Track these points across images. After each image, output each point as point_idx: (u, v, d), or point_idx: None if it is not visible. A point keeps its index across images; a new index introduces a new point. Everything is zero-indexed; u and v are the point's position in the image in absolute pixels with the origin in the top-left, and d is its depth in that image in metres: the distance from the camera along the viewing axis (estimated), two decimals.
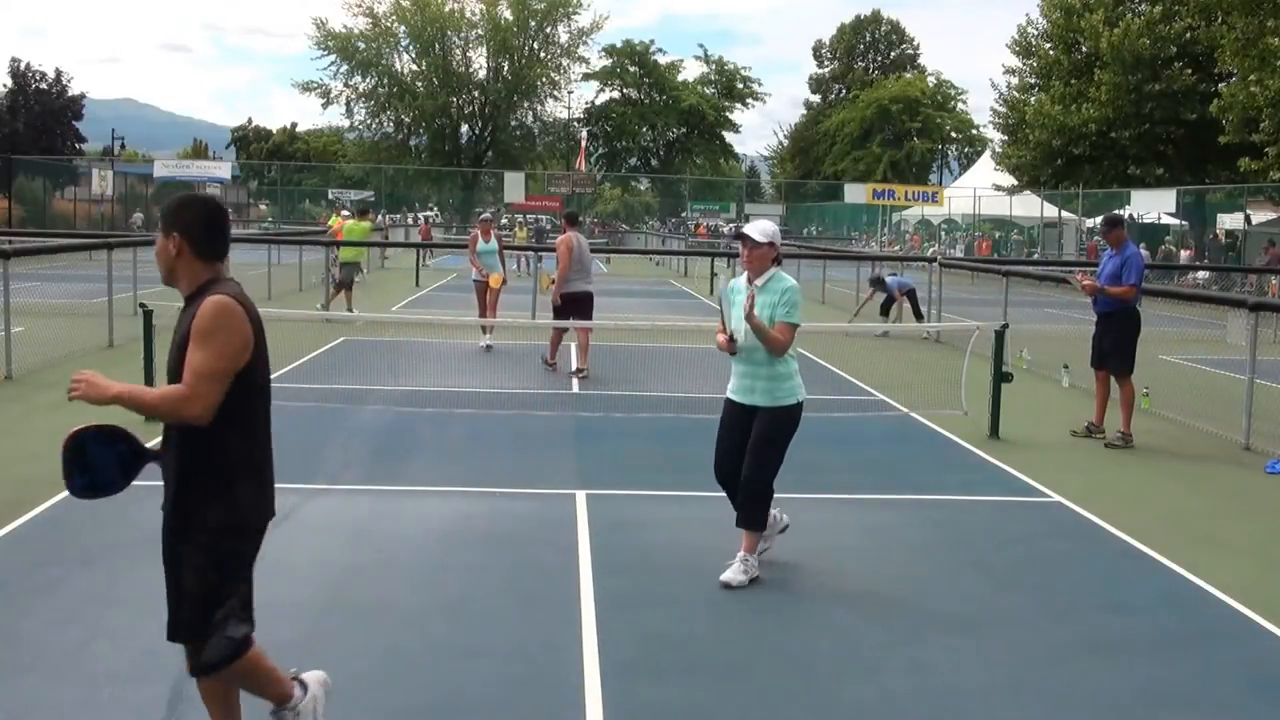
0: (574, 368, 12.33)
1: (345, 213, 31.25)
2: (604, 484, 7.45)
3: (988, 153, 55.16)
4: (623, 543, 6.23)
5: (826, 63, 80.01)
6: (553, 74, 68.82)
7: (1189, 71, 36.16)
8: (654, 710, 4.21)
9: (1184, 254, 35.55)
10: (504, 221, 50.11)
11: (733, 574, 5.49)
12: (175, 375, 3.23)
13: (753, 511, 5.55)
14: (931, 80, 74.35)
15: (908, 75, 73.92)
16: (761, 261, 5.53)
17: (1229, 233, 36.97)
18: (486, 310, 14.41)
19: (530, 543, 6.18)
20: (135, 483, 3.31)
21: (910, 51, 79.01)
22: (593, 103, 73.78)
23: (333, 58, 65.54)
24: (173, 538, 3.32)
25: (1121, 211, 31.51)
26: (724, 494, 5.77)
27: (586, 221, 55.80)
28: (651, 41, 74.80)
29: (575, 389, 11.61)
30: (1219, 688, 4.56)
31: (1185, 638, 5.13)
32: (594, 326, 12.44)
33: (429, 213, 60.60)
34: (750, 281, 5.56)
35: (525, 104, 69.25)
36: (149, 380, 8.99)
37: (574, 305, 12.13)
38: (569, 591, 5.40)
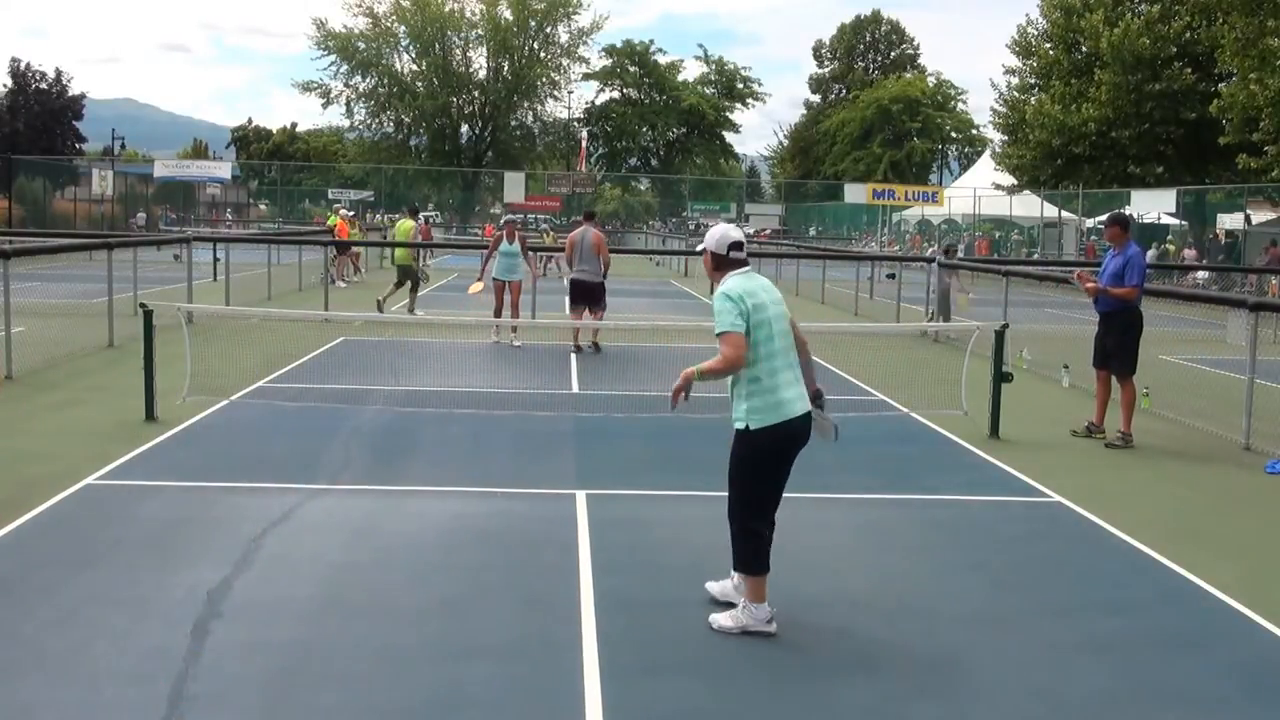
0: (586, 343, 14.15)
1: (345, 212, 31.28)
2: (604, 484, 7.45)
3: (988, 153, 55.16)
4: (623, 543, 6.23)
5: (826, 63, 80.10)
6: (553, 74, 68.89)
7: (1189, 71, 36.15)
8: (654, 710, 4.21)
9: (1189, 254, 35.54)
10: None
11: (719, 615, 5.02)
12: None
13: (734, 547, 5.01)
14: (931, 80, 74.39)
15: (908, 75, 73.93)
16: (708, 270, 5.12)
17: (1229, 233, 36.98)
18: (512, 311, 14.77)
19: (530, 543, 6.18)
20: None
21: (910, 51, 79.08)
22: (593, 103, 73.91)
23: (333, 58, 65.65)
24: None
25: (1122, 211, 31.48)
26: (721, 493, 5.20)
27: None
28: (651, 41, 74.95)
29: (575, 389, 11.62)
30: (1219, 688, 4.57)
31: (1185, 638, 5.13)
32: (598, 324, 13.89)
33: (429, 212, 60.56)
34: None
35: (525, 104, 69.29)
36: (149, 380, 9.00)
37: (578, 292, 14.12)
38: (569, 591, 5.40)
